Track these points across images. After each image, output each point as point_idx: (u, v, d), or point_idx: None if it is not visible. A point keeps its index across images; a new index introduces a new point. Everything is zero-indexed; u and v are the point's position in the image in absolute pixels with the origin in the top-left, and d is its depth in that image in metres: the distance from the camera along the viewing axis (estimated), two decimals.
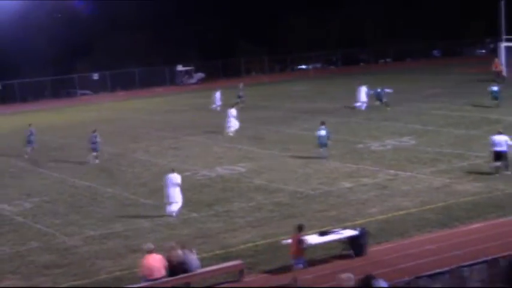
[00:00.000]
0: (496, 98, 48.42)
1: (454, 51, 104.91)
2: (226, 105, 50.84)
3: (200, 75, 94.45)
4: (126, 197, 31.23)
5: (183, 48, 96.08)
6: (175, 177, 27.58)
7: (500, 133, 30.54)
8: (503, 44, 68.12)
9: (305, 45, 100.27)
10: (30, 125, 45.17)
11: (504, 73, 63.95)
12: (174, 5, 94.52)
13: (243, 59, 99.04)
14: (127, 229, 26.17)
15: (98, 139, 40.64)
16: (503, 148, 29.79)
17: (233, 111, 46.54)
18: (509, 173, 29.69)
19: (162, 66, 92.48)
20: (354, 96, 52.82)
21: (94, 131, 41.23)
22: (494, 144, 30.07)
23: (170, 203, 27.37)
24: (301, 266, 20.16)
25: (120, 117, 62.11)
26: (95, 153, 40.32)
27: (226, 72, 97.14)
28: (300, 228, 20.52)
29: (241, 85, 62.22)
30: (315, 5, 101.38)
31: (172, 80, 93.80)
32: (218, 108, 57.22)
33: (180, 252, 19.52)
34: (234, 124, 45.99)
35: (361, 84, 53.05)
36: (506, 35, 67.89)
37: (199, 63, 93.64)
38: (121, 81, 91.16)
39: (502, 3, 66.65)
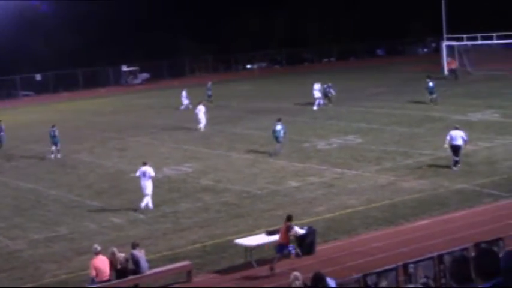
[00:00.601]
0: (431, 93, 49.52)
1: (397, 50, 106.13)
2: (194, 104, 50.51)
3: (145, 75, 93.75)
4: (71, 199, 30.85)
5: (127, 49, 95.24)
6: (149, 170, 28.03)
7: (456, 128, 31.15)
8: (445, 43, 69.21)
9: (249, 45, 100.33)
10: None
11: (469, 70, 64.95)
12: (119, 5, 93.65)
13: (187, 59, 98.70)
14: (72, 232, 25.85)
15: (57, 133, 41.04)
16: (459, 142, 30.38)
17: (201, 108, 46.78)
18: (456, 169, 30.14)
19: (105, 67, 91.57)
20: (308, 95, 52.88)
21: (53, 126, 41.44)
22: (451, 138, 30.68)
23: (145, 196, 27.76)
24: (293, 251, 20.64)
25: (64, 118, 61.19)
26: (54, 148, 40.79)
27: (171, 72, 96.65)
28: (289, 218, 20.82)
29: (209, 84, 61.75)
30: (259, 4, 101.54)
31: (116, 80, 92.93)
32: (190, 106, 56.38)
33: (121, 255, 19.42)
34: (203, 120, 46.43)
35: (314, 81, 53.20)
36: (448, 33, 68.99)
37: (144, 64, 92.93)
38: (64, 82, 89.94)
39: (443, 2, 67.67)
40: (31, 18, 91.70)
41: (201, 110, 46.79)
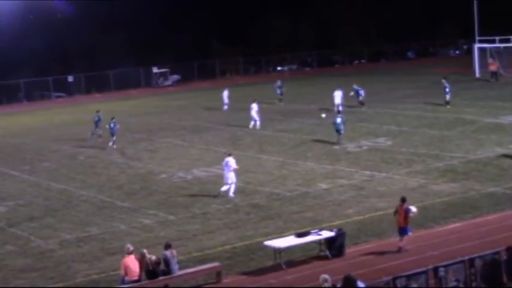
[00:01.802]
0: (446, 94, 49.71)
1: (428, 52, 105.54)
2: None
3: (175, 77, 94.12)
4: (102, 200, 31.07)
5: (158, 50, 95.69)
6: (231, 161, 29.70)
7: None
8: (477, 45, 68.70)
9: (280, 47, 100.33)
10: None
11: (501, 72, 64.40)
12: (149, 6, 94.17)
13: (217, 61, 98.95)
14: (103, 232, 26.04)
15: (116, 125, 44.37)
16: None
17: (254, 106, 47.55)
18: None
19: (137, 68, 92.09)
20: (330, 99, 52.78)
21: (112, 118, 44.72)
22: None
23: (225, 184, 29.56)
24: (410, 233, 21.44)
25: None
26: (113, 139, 44.08)
27: (201, 74, 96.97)
28: (404, 200, 21.48)
29: (279, 82, 62.03)
30: (288, 5, 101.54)
31: (147, 82, 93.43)
32: (226, 107, 57.55)
33: (152, 257, 19.50)
34: (256, 118, 47.32)
35: (337, 88, 52.91)
36: (480, 35, 68.45)
37: (175, 65, 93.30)
38: (96, 84, 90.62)
39: (475, 4, 67.18)
40: (59, 20, 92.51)
41: (253, 109, 47.39)
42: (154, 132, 49.33)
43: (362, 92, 52.76)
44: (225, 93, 59.02)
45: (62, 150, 45.05)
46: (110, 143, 43.93)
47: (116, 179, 35.22)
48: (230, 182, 29.56)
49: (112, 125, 44.02)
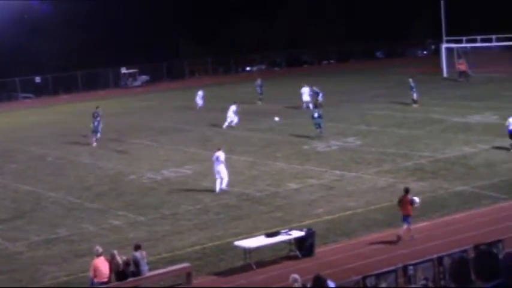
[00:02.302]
0: (413, 93, 50.43)
1: (396, 53, 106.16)
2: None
3: (144, 77, 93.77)
4: (71, 201, 30.83)
5: (126, 51, 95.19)
6: (221, 155, 30.33)
7: None
8: (444, 45, 69.26)
9: (249, 47, 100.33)
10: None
11: (469, 72, 64.92)
12: (118, 6, 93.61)
13: (186, 61, 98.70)
14: (72, 234, 25.85)
15: (100, 122, 45.64)
16: None
17: (232, 107, 47.78)
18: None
19: (105, 69, 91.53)
20: (299, 95, 53.06)
21: (97, 107, 47.76)
22: (509, 125, 32.96)
23: (217, 179, 30.10)
24: (409, 223, 22.46)
25: (64, 120, 61.32)
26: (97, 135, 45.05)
27: (170, 75, 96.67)
28: (407, 191, 22.67)
29: (259, 81, 61.93)
30: (258, 6, 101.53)
31: (116, 82, 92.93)
32: (199, 107, 57.55)
33: (122, 258, 19.40)
34: (232, 118, 47.53)
35: (304, 85, 53.33)
36: (447, 36, 69.02)
37: (143, 66, 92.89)
38: (64, 84, 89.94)
39: (442, 4, 67.70)
40: (30, 20, 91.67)
41: (230, 109, 47.74)
42: (123, 133, 49.05)
43: (321, 94, 52.83)
44: (200, 94, 58.73)
45: (29, 152, 44.64)
46: (93, 140, 44.74)
47: (85, 180, 34.97)
48: (222, 176, 30.10)
49: (96, 123, 45.31)
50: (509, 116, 33.75)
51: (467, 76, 63.97)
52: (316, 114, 41.54)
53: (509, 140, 33.00)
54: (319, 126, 40.91)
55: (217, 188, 29.94)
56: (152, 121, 54.27)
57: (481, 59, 64.18)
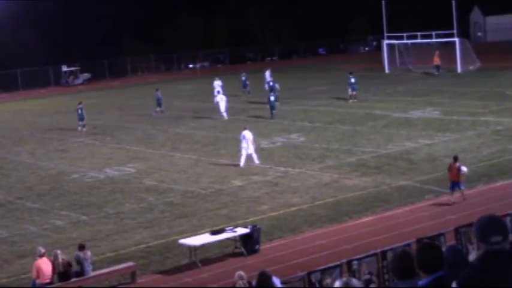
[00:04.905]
0: (353, 90, 51.43)
1: (339, 49, 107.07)
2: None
3: (86, 75, 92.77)
4: (11, 201, 30.30)
5: (67, 48, 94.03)
6: (247, 134, 32.90)
7: None
8: (386, 42, 70.03)
9: (192, 44, 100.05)
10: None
11: (410, 68, 65.38)
12: (59, 4, 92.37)
13: (129, 59, 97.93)
14: (13, 235, 25.39)
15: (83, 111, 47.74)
16: None
17: (223, 97, 49.06)
18: None
19: (45, 67, 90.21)
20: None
21: (80, 103, 48.68)
22: None
23: (242, 155, 32.77)
24: (463, 187, 24.42)
25: (3, 119, 60.27)
26: (81, 123, 47.64)
27: (113, 72, 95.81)
28: (456, 159, 24.58)
29: (244, 74, 61.51)
30: (201, 2, 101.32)
31: (57, 80, 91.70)
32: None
33: (64, 258, 19.14)
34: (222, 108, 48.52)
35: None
36: (388, 32, 69.80)
37: (85, 63, 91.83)
38: (3, 83, 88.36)
39: (383, 1, 68.40)
40: None
41: (222, 99, 48.57)
42: (65, 132, 48.42)
43: (277, 86, 53.40)
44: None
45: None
46: (79, 128, 47.17)
47: (26, 180, 34.40)
48: (249, 152, 32.56)
49: (80, 110, 47.61)
50: None
51: (439, 69, 63.96)
52: (272, 98, 46.45)
53: None
54: (273, 108, 45.70)
55: (242, 163, 32.54)
56: (95, 120, 53.60)
57: (422, 55, 64.96)
